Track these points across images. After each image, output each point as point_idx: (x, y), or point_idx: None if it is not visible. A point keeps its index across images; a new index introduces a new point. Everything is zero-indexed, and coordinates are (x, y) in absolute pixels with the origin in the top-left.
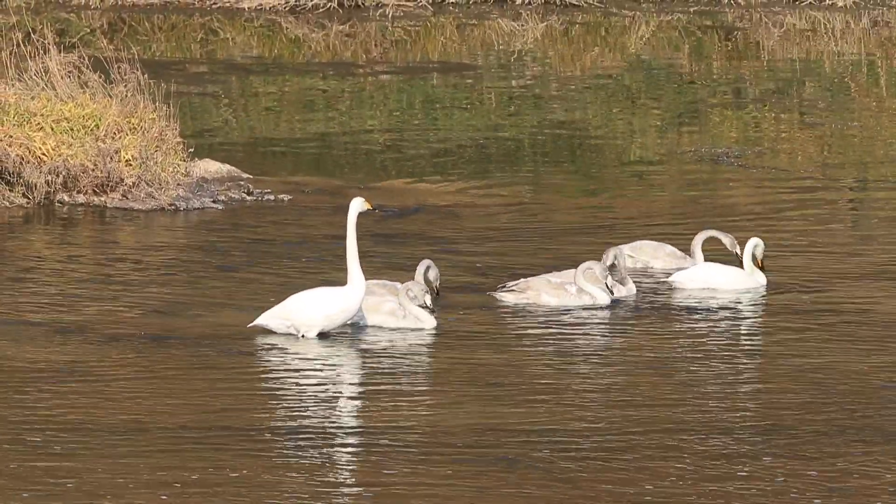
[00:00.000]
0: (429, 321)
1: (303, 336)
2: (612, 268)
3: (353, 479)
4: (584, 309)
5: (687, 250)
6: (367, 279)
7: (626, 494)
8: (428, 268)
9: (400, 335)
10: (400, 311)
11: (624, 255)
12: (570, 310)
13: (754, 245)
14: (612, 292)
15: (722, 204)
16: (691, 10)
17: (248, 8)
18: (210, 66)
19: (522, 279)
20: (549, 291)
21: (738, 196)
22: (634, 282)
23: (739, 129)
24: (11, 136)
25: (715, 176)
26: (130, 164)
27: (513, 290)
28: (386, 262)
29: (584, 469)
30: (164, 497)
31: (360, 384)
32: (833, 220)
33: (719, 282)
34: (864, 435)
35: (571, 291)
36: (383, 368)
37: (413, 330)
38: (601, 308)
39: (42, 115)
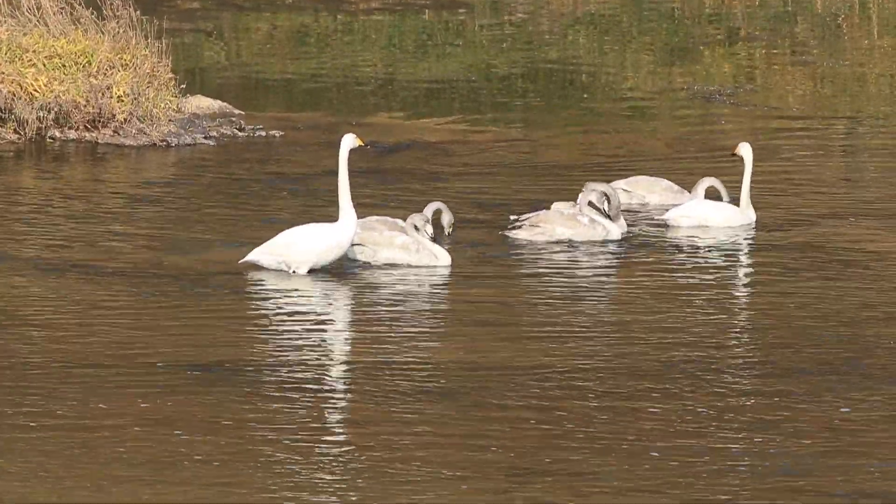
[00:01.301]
0: (443, 257)
1: (294, 272)
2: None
3: (345, 417)
4: (590, 245)
5: (681, 185)
6: (364, 215)
7: (620, 433)
8: (438, 210)
9: (399, 272)
10: (413, 245)
11: (616, 191)
12: (576, 247)
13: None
14: (611, 218)
15: (714, 142)
16: None
17: None
18: (202, 3)
19: (533, 212)
20: (562, 223)
21: (730, 133)
22: (628, 219)
23: (732, 66)
24: (3, 73)
25: (707, 113)
26: (122, 101)
27: (525, 226)
28: (378, 198)
29: (577, 408)
30: (153, 432)
31: (356, 321)
32: (824, 158)
33: (713, 219)
34: (854, 371)
35: (584, 222)
36: (381, 305)
37: (427, 267)
38: (606, 243)
39: (34, 51)
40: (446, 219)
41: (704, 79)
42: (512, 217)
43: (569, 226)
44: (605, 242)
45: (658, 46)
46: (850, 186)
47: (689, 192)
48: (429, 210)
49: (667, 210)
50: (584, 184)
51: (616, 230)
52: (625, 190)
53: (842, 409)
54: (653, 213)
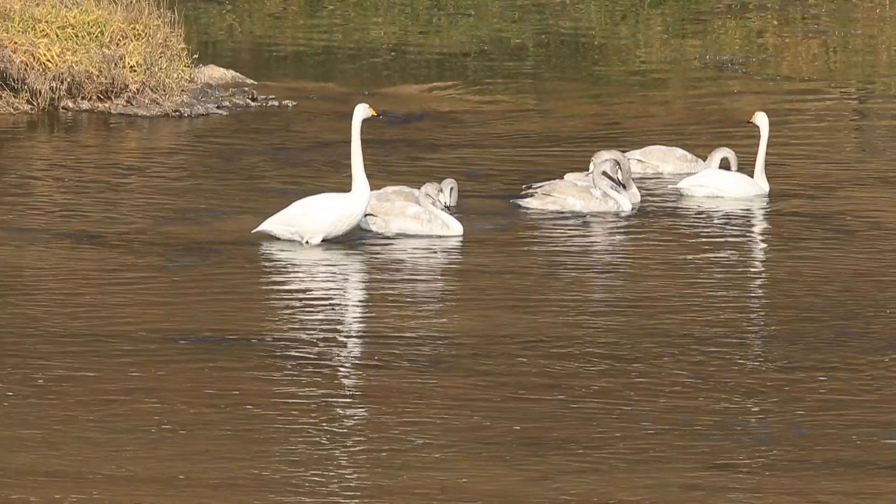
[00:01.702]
0: (455, 227)
1: (306, 242)
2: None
3: (357, 387)
4: (601, 216)
5: (694, 154)
6: (377, 186)
7: (632, 403)
8: (451, 189)
9: (412, 242)
10: (425, 215)
11: (626, 158)
12: (587, 218)
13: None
14: (624, 186)
15: (726, 111)
16: None
17: None
18: None
19: (547, 181)
20: (574, 195)
21: (742, 102)
22: (641, 188)
23: (743, 36)
24: (16, 43)
25: (719, 83)
26: (135, 71)
27: (537, 195)
28: (390, 169)
29: (589, 378)
30: (164, 404)
31: (368, 291)
32: (836, 127)
33: (727, 188)
34: (868, 341)
35: (596, 195)
36: (393, 275)
37: (439, 237)
38: (619, 215)
39: (47, 21)
40: (453, 197)
41: (716, 48)
42: (524, 187)
43: (581, 198)
44: (616, 214)
45: (670, 16)
46: (863, 155)
47: (703, 161)
48: (445, 185)
49: (681, 179)
50: (595, 154)
51: (627, 203)
52: (639, 160)
53: (856, 380)
54: (667, 182)
